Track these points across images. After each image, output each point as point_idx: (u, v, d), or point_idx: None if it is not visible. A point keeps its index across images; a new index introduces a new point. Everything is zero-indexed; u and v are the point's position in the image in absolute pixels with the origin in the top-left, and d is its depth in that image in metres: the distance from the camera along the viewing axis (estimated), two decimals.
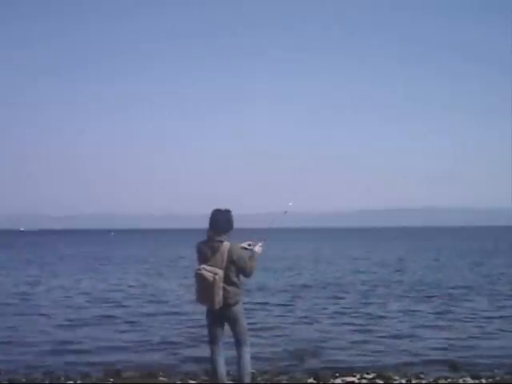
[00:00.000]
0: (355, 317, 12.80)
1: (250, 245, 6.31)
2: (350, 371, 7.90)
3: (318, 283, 20.21)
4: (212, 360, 6.25)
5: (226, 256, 6.03)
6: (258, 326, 11.29)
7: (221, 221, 6.15)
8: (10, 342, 10.34)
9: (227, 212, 6.24)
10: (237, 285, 6.14)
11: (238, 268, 6.11)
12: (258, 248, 6.34)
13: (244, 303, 6.43)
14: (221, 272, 5.98)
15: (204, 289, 5.97)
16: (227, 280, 6.04)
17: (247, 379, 6.22)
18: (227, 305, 6.06)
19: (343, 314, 13.25)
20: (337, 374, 7.76)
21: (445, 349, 9.60)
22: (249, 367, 6.28)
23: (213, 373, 6.29)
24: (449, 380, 7.54)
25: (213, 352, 6.24)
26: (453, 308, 14.05)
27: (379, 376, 7.65)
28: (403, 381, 7.47)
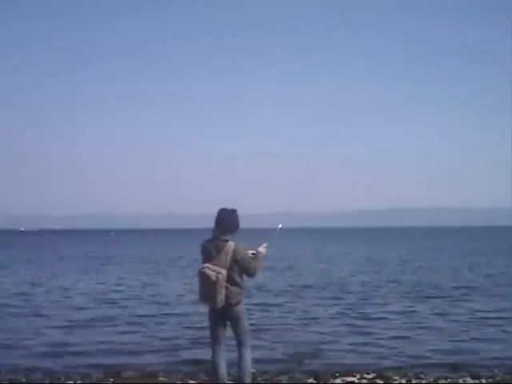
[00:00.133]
0: (355, 317, 12.80)
1: (253, 253, 6.30)
2: (350, 371, 7.91)
3: (318, 283, 20.20)
4: (213, 360, 6.25)
5: (230, 255, 6.05)
6: (258, 326, 11.29)
7: (226, 220, 6.17)
8: (9, 342, 10.34)
9: (233, 212, 6.27)
10: (239, 285, 6.15)
11: (241, 268, 6.12)
12: (262, 249, 6.36)
13: (244, 304, 6.44)
14: (224, 271, 5.99)
15: (207, 288, 5.98)
16: (230, 280, 6.05)
17: (248, 379, 6.22)
18: (229, 304, 6.07)
19: (343, 314, 13.25)
20: (337, 374, 7.77)
21: (445, 349, 9.60)
22: (249, 367, 6.28)
23: (213, 373, 6.29)
24: (449, 380, 7.55)
25: (214, 352, 6.25)
26: (453, 308, 14.06)
27: (379, 376, 7.66)
28: (403, 381, 7.47)
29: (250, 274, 6.23)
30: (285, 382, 7.49)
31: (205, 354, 7.89)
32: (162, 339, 10.46)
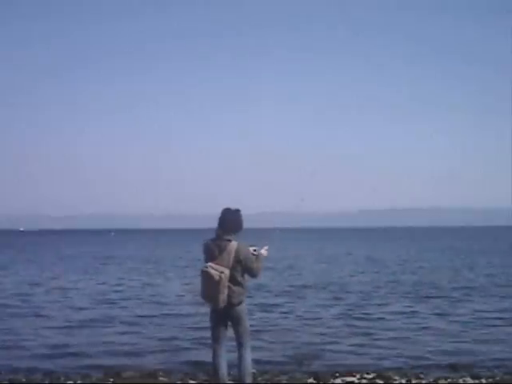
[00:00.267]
0: (355, 318, 12.79)
1: (255, 250, 6.32)
2: (350, 371, 7.91)
3: (318, 284, 20.20)
4: (214, 360, 6.25)
5: (233, 255, 6.05)
6: (258, 327, 11.28)
7: (230, 220, 6.18)
8: (9, 343, 10.34)
9: (237, 212, 6.27)
10: (242, 285, 6.16)
11: (244, 268, 6.13)
12: (263, 251, 6.38)
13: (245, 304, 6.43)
14: (227, 271, 5.99)
15: (209, 287, 5.98)
16: (233, 279, 6.05)
17: (248, 379, 6.23)
18: (231, 304, 6.07)
19: (343, 315, 13.24)
20: (337, 374, 7.78)
21: (445, 349, 9.60)
22: (250, 368, 6.28)
23: (214, 373, 6.29)
24: (449, 380, 7.55)
25: (215, 352, 6.24)
26: (453, 309, 14.05)
27: (379, 376, 7.67)
28: (403, 381, 7.48)
29: (253, 275, 6.24)
30: (285, 382, 7.49)
31: (205, 355, 7.90)
32: (162, 340, 10.44)
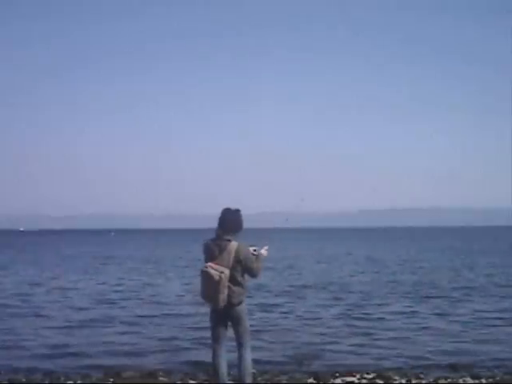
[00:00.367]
0: (355, 318, 12.78)
1: (255, 250, 6.32)
2: (350, 371, 7.91)
3: (318, 284, 20.20)
4: (214, 360, 6.25)
5: (233, 255, 6.05)
6: (258, 327, 11.28)
7: (230, 220, 6.18)
8: (9, 343, 10.34)
9: (237, 212, 6.28)
10: (242, 285, 6.16)
11: (244, 268, 6.13)
12: (263, 251, 6.38)
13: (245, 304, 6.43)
14: (227, 271, 5.99)
15: (209, 287, 5.98)
16: (233, 279, 6.05)
17: (248, 379, 6.22)
18: (231, 304, 6.07)
19: (343, 315, 13.24)
20: (337, 374, 7.78)
21: (445, 350, 9.59)
22: (250, 368, 6.28)
23: (214, 373, 6.29)
24: (449, 380, 7.55)
25: (215, 352, 6.24)
26: (453, 309, 14.05)
27: (379, 376, 7.67)
28: (403, 381, 7.48)
29: (254, 275, 6.24)
30: (285, 382, 7.49)
31: (205, 355, 7.89)
32: (162, 340, 10.43)
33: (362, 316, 13.00)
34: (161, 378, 7.73)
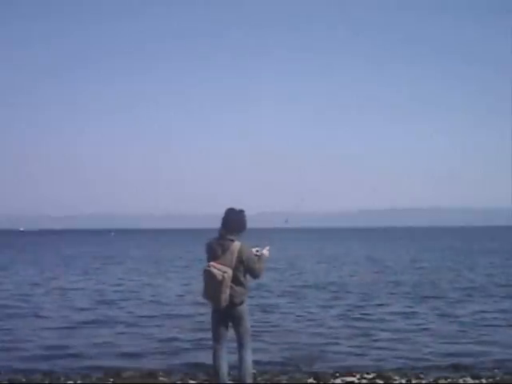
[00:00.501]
0: (355, 318, 12.78)
1: (257, 251, 6.32)
2: (350, 371, 7.91)
3: (318, 284, 20.19)
4: (214, 360, 6.25)
5: (235, 255, 6.06)
6: (259, 327, 11.27)
7: (233, 220, 6.19)
8: (9, 343, 10.33)
9: (240, 212, 6.29)
10: (244, 285, 6.17)
11: (247, 268, 6.14)
12: (265, 251, 6.39)
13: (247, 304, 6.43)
14: (230, 271, 6.00)
15: (212, 286, 5.99)
16: (235, 279, 6.06)
17: (249, 380, 6.22)
18: (233, 304, 6.08)
19: (343, 315, 13.23)
20: (337, 374, 7.78)
21: (445, 350, 9.59)
22: (250, 368, 6.28)
23: (214, 373, 6.29)
24: (449, 380, 7.55)
25: (215, 352, 6.24)
26: (453, 309, 14.04)
27: (379, 376, 7.67)
28: (403, 381, 7.47)
29: (256, 275, 6.25)
30: (285, 382, 7.49)
31: (205, 356, 7.90)
32: (162, 340, 10.43)
33: (362, 316, 12.99)
34: (161, 378, 7.73)
